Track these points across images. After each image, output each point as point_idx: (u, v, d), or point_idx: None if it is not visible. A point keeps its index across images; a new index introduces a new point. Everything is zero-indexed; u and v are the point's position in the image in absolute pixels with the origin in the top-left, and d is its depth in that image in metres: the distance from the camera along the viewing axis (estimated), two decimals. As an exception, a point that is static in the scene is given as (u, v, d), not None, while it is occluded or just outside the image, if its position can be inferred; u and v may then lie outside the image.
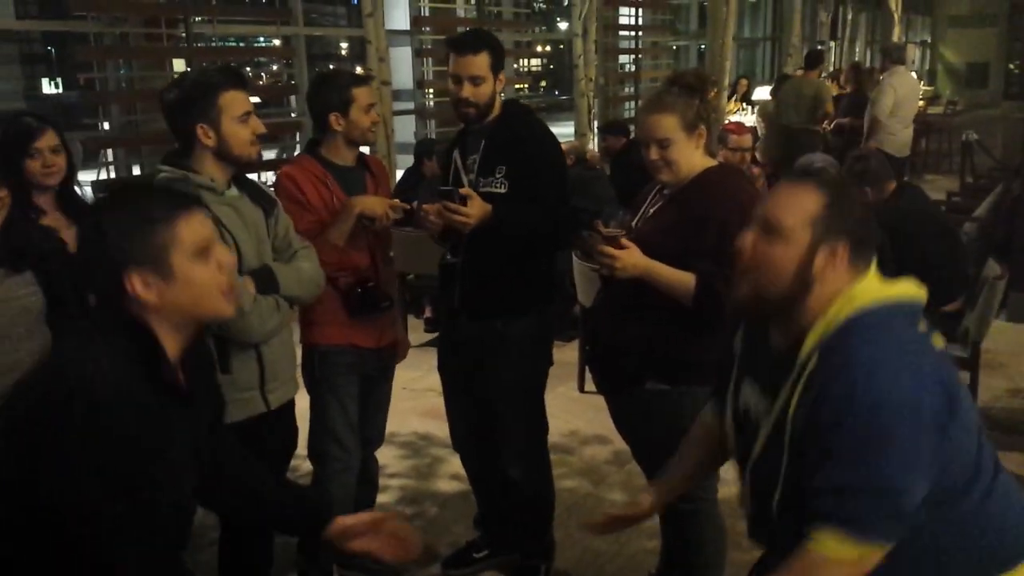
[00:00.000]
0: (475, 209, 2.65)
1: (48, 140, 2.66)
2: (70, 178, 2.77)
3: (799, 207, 1.60)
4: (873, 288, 1.59)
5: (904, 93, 7.76)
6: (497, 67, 2.76)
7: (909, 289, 1.61)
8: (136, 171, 5.80)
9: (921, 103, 12.68)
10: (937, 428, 1.48)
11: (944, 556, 1.58)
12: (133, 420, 1.42)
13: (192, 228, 1.53)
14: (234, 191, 2.39)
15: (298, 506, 1.87)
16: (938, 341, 1.61)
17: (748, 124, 9.14)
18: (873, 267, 1.63)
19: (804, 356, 1.56)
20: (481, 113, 2.78)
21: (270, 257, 2.43)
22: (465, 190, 2.68)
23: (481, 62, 2.72)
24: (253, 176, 2.87)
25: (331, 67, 6.19)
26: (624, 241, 2.40)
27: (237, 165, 2.36)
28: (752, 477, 1.70)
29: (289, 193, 2.70)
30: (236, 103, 2.29)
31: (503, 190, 2.75)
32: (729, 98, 10.67)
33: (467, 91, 2.74)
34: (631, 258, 2.39)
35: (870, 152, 4.83)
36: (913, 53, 22.39)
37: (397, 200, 2.83)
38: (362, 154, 2.87)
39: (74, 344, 1.52)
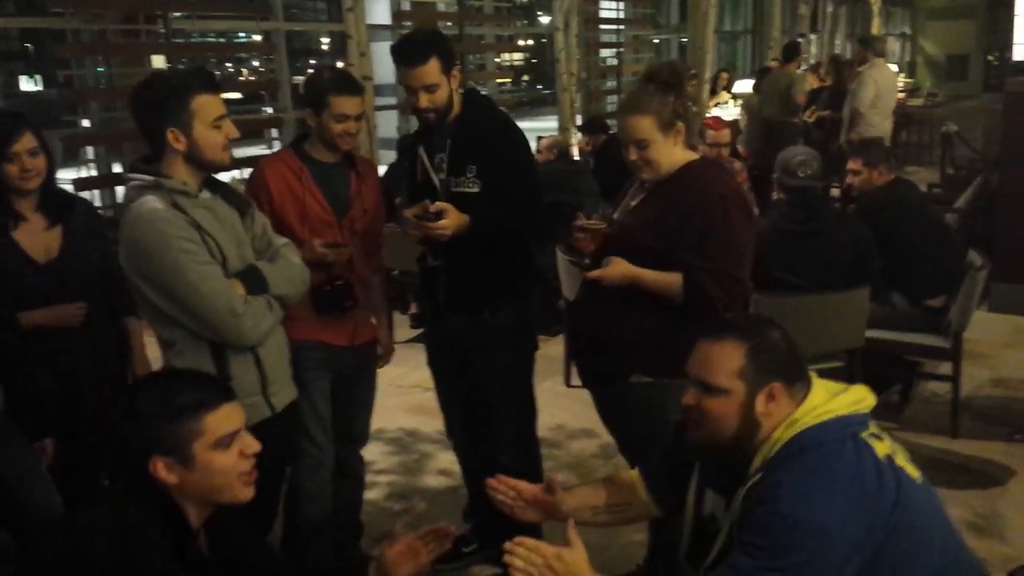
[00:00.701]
0: (452, 220, 2.65)
1: (26, 143, 2.56)
2: (51, 179, 2.70)
3: (725, 363, 1.75)
4: (816, 407, 1.73)
5: (884, 85, 7.81)
6: (448, 67, 2.70)
7: (856, 397, 1.76)
8: (117, 168, 5.75)
9: (901, 95, 12.76)
10: (847, 554, 1.60)
11: None
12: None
13: (219, 421, 1.62)
14: (207, 193, 2.31)
15: None
16: (882, 448, 1.72)
17: (730, 117, 9.21)
18: (817, 385, 1.78)
19: (750, 473, 1.74)
20: (442, 114, 2.75)
21: (251, 257, 2.37)
22: (440, 205, 2.66)
23: (432, 69, 2.67)
24: (230, 174, 2.82)
25: (339, 65, 6.10)
26: (609, 259, 2.43)
27: (209, 170, 2.28)
28: None
29: (252, 188, 2.71)
30: (209, 107, 2.19)
31: (476, 189, 2.75)
32: (711, 92, 10.68)
33: (424, 101, 2.70)
34: (617, 269, 2.42)
35: (876, 140, 4.86)
36: (893, 45, 22.53)
37: (340, 250, 2.71)
38: (349, 152, 2.82)
39: (105, 510, 1.59)
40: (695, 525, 1.95)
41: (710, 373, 1.76)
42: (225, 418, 1.63)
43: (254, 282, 2.28)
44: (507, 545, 1.73)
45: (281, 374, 2.42)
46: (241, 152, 5.43)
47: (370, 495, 3.30)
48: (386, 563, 1.86)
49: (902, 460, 1.74)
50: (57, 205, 2.71)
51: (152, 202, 2.17)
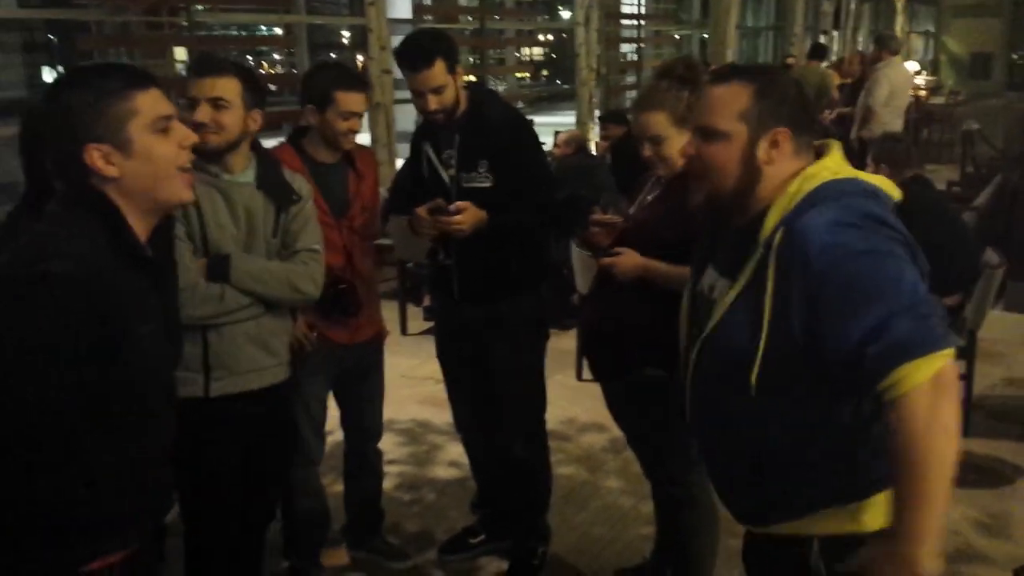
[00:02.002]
0: (469, 216, 2.66)
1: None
2: None
3: (729, 105, 1.63)
4: (834, 166, 1.62)
5: (898, 84, 7.76)
6: (453, 66, 2.69)
7: (879, 180, 1.64)
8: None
9: (923, 92, 12.67)
10: (911, 257, 1.51)
11: (859, 467, 1.60)
12: (99, 293, 1.44)
13: (150, 101, 1.53)
14: (244, 177, 2.36)
15: None
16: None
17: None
18: (837, 154, 1.66)
19: (767, 233, 1.58)
20: (450, 113, 2.74)
21: (262, 251, 2.38)
22: (459, 204, 2.66)
23: (438, 72, 2.66)
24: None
25: (332, 57, 6.11)
26: (620, 249, 2.42)
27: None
28: (706, 349, 1.70)
29: None
30: (192, 88, 2.30)
31: (488, 184, 2.75)
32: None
33: (433, 103, 2.69)
34: (629, 261, 2.42)
35: (902, 136, 4.84)
36: (917, 43, 22.34)
37: (310, 335, 2.67)
38: (348, 149, 2.78)
39: (41, 222, 1.51)
40: (692, 303, 1.86)
41: (711, 115, 1.65)
42: (158, 99, 1.55)
43: (216, 268, 2.30)
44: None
45: (236, 364, 2.36)
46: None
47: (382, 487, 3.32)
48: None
49: None
50: None
51: None
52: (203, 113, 2.28)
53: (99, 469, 1.51)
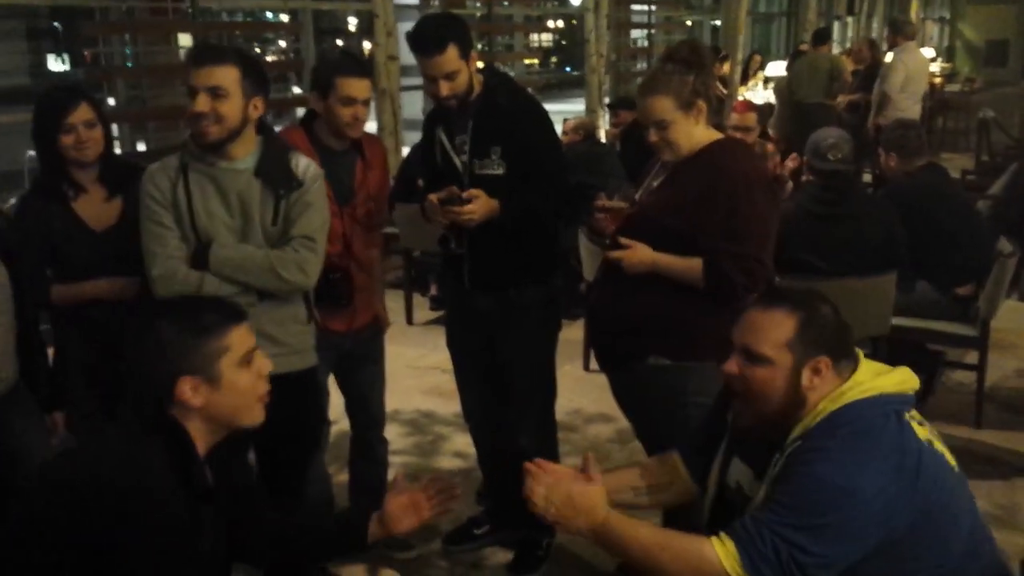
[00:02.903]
0: (480, 205, 2.61)
1: (82, 114, 2.55)
2: (109, 150, 2.70)
3: (774, 333, 1.73)
4: (862, 385, 1.71)
5: (914, 69, 7.66)
6: (467, 51, 2.64)
7: (901, 379, 1.74)
8: (141, 147, 5.79)
9: (939, 80, 12.54)
10: (874, 527, 1.60)
11: None
12: (169, 517, 1.51)
13: (240, 338, 1.64)
14: (242, 165, 2.33)
15: (333, 533, 1.97)
16: (922, 432, 1.71)
17: (760, 101, 9.09)
18: (864, 362, 1.76)
19: (789, 442, 1.72)
20: (463, 99, 2.69)
21: (259, 239, 2.35)
22: (471, 192, 2.61)
23: (451, 57, 2.61)
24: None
25: (337, 44, 6.05)
26: (629, 241, 2.39)
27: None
28: None
29: None
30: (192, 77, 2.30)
31: (501, 171, 2.70)
32: (742, 74, 10.54)
33: (445, 89, 2.65)
34: (637, 255, 2.39)
35: (913, 123, 4.78)
36: (931, 29, 22.13)
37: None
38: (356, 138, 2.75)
39: (116, 440, 1.61)
40: (718, 494, 1.93)
41: (757, 342, 1.74)
42: (246, 334, 1.66)
43: (197, 256, 2.31)
44: (529, 466, 1.77)
45: (290, 342, 2.40)
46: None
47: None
48: (387, 515, 1.86)
49: (940, 447, 1.73)
50: (118, 175, 2.69)
51: (168, 158, 2.35)
52: (202, 103, 2.25)
53: None
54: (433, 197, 2.68)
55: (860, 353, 1.80)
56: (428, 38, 2.62)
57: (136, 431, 1.59)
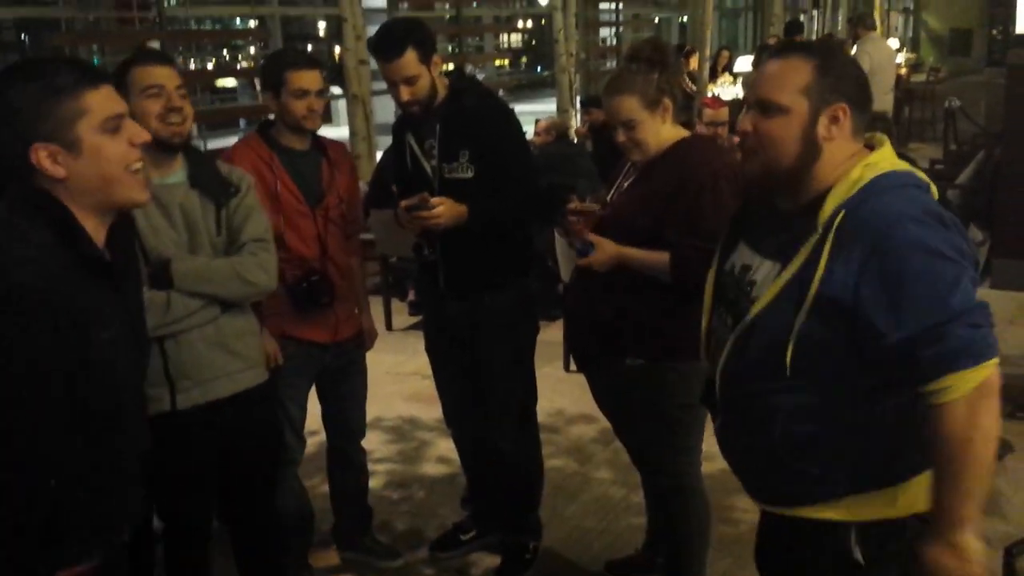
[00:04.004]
0: (446, 210, 2.60)
1: None
2: None
3: (790, 79, 1.59)
4: (892, 158, 1.61)
5: (879, 59, 7.73)
6: (427, 55, 2.63)
7: (923, 173, 1.64)
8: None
9: (904, 71, 12.66)
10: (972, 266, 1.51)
11: (894, 453, 1.61)
12: (56, 300, 1.39)
13: (101, 99, 1.47)
14: (174, 178, 2.26)
15: None
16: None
17: (729, 96, 9.14)
18: (888, 144, 1.65)
19: (827, 216, 1.55)
20: (426, 104, 2.69)
21: (208, 251, 2.28)
22: (437, 199, 2.60)
23: (409, 61, 2.61)
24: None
25: (336, 49, 5.98)
26: (594, 237, 2.39)
27: (158, 147, 2.20)
28: (746, 334, 1.66)
29: None
30: (142, 77, 2.21)
31: (470, 175, 2.70)
32: (711, 70, 10.61)
33: (405, 93, 2.65)
34: (604, 252, 2.39)
35: (881, 115, 4.82)
36: (896, 20, 22.34)
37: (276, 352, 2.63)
38: (319, 138, 2.76)
39: None
40: (717, 283, 1.82)
41: (772, 89, 1.60)
42: (108, 98, 1.49)
43: (158, 277, 2.18)
44: None
45: (197, 375, 2.26)
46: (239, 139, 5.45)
47: (369, 483, 3.29)
48: None
49: None
50: None
51: None
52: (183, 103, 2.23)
53: (65, 478, 1.46)
54: (404, 204, 2.67)
55: (883, 137, 1.68)
56: (387, 43, 2.63)
57: (10, 211, 1.45)
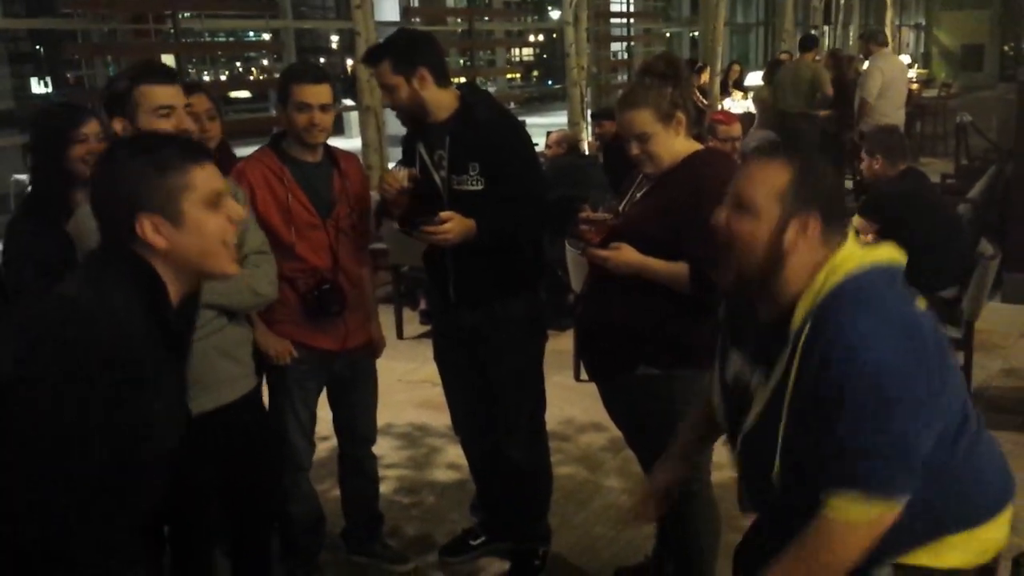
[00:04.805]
0: (455, 226, 2.61)
1: (93, 127, 2.53)
2: None
3: (767, 182, 1.64)
4: (856, 254, 1.63)
5: (891, 74, 7.73)
6: (405, 68, 2.64)
7: (890, 253, 1.66)
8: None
9: (915, 86, 12.66)
10: (936, 381, 1.55)
11: (935, 510, 1.62)
12: (139, 355, 1.43)
13: (205, 177, 1.55)
14: None
15: None
16: (920, 303, 1.66)
17: (741, 111, 9.17)
18: (851, 235, 1.67)
19: (796, 325, 1.60)
20: (418, 114, 2.72)
21: None
22: (446, 214, 2.61)
23: (383, 71, 2.65)
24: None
25: (348, 63, 6.00)
26: (613, 244, 2.41)
27: None
28: (747, 446, 1.73)
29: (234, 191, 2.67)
30: (152, 96, 2.23)
31: (480, 187, 2.70)
32: (722, 84, 10.64)
33: (386, 99, 2.74)
34: (623, 257, 2.40)
35: (895, 128, 4.84)
36: (907, 36, 22.35)
37: (289, 348, 2.70)
38: (331, 149, 2.79)
39: (83, 278, 1.52)
40: (723, 395, 1.87)
41: (751, 188, 1.66)
42: (212, 175, 1.57)
43: None
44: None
45: (207, 382, 2.30)
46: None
47: (380, 489, 3.31)
48: None
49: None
50: None
51: None
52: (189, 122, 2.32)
53: (78, 534, 1.47)
54: (408, 220, 2.68)
55: (850, 229, 1.71)
56: (368, 51, 2.73)
57: (102, 268, 1.51)
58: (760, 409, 1.67)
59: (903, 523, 1.58)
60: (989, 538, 1.70)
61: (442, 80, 2.71)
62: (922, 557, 1.64)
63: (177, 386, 1.62)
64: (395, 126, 7.54)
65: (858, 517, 1.52)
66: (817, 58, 9.33)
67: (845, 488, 1.52)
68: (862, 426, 1.50)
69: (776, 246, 1.62)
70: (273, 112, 7.41)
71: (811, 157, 1.71)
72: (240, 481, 2.46)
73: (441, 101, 2.72)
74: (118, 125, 2.27)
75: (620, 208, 2.58)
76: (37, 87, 16.14)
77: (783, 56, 10.32)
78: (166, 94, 2.27)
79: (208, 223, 1.54)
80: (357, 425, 3.00)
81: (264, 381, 2.70)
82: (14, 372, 1.39)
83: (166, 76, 2.32)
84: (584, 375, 4.22)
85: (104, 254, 1.54)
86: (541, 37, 15.40)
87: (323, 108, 2.65)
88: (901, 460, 1.52)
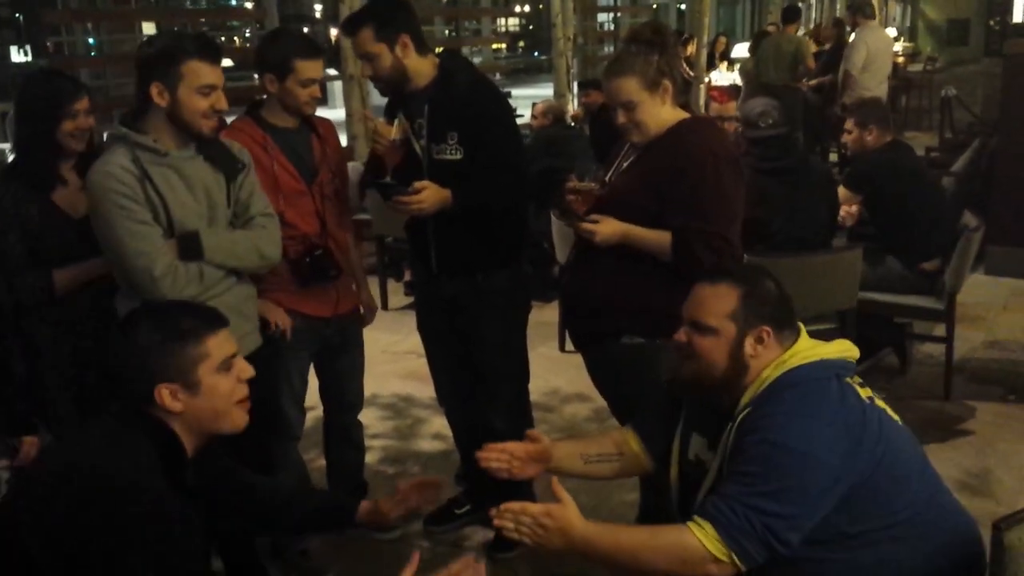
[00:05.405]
0: (430, 195, 2.59)
1: (85, 102, 2.54)
2: (92, 139, 2.65)
3: (718, 305, 1.83)
4: (803, 351, 1.81)
5: (876, 48, 7.72)
6: (387, 35, 2.61)
7: (841, 348, 1.84)
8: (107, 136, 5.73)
9: (901, 59, 12.66)
10: (833, 481, 1.67)
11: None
12: (163, 518, 1.51)
13: (219, 344, 1.65)
14: (188, 152, 2.30)
15: (324, 509, 2.06)
16: (864, 392, 1.80)
17: (727, 83, 9.15)
18: (803, 333, 1.86)
19: (739, 410, 1.79)
20: (397, 82, 2.69)
21: (224, 223, 2.36)
22: (420, 184, 2.59)
23: (363, 39, 2.62)
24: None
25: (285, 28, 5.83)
26: (595, 216, 2.41)
27: (187, 132, 2.27)
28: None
29: None
30: (199, 74, 2.22)
31: (458, 156, 2.68)
32: (708, 56, 10.59)
33: (367, 69, 2.70)
34: (608, 228, 2.41)
35: (880, 100, 4.83)
36: (894, 9, 22.31)
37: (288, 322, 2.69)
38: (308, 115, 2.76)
39: (101, 436, 1.61)
40: (680, 471, 2.00)
41: (703, 313, 1.84)
42: (225, 341, 1.67)
43: (188, 247, 2.26)
44: (493, 511, 1.76)
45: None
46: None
47: (365, 459, 3.31)
48: (380, 508, 1.97)
49: (882, 404, 1.83)
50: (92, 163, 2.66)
51: (110, 153, 2.23)
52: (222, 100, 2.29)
53: None
54: (383, 185, 2.67)
55: (802, 327, 1.88)
56: (348, 19, 2.67)
57: (121, 431, 1.60)
58: (708, 486, 1.83)
59: None
60: None
61: (422, 48, 2.69)
62: None
63: (199, 527, 1.67)
64: (379, 96, 7.49)
65: (704, 546, 1.66)
66: (803, 32, 9.30)
67: (707, 518, 1.68)
68: (745, 483, 1.68)
69: (737, 357, 1.81)
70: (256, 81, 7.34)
71: (756, 277, 1.87)
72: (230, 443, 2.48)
73: (421, 69, 2.70)
74: (155, 90, 2.23)
75: (606, 178, 2.57)
76: (17, 56, 15.89)
77: (770, 28, 10.28)
78: (212, 75, 2.26)
79: (221, 386, 1.64)
80: (345, 391, 3.00)
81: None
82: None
83: (214, 55, 2.30)
84: (569, 346, 4.24)
85: (121, 412, 1.63)
86: (527, 7, 15.29)
87: (320, 81, 2.68)
88: (760, 525, 1.65)
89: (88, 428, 1.63)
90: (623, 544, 1.74)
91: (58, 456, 1.64)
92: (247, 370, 1.70)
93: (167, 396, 1.60)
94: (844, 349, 1.85)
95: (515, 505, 1.74)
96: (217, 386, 1.64)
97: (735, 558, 1.67)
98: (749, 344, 1.81)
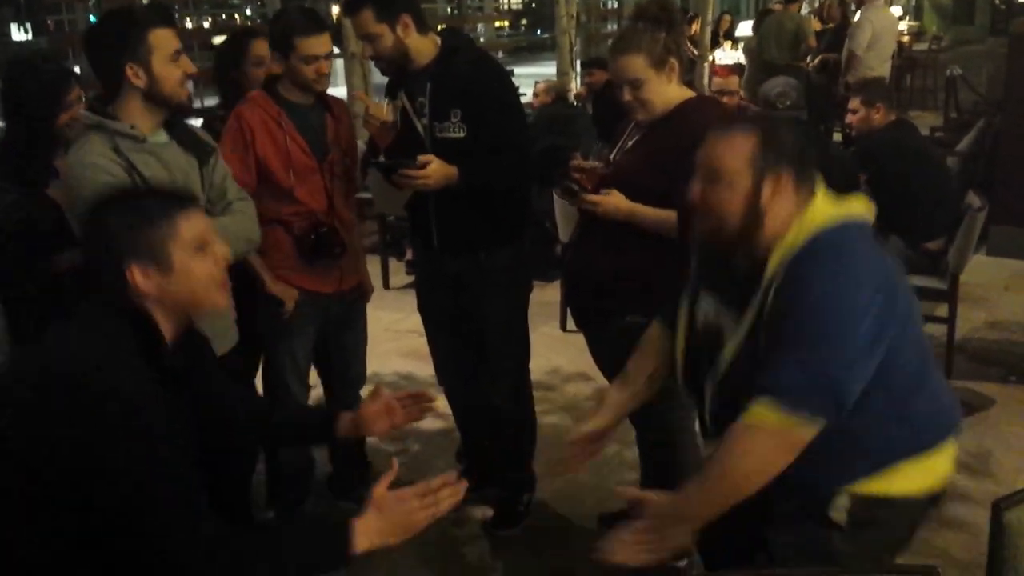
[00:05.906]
0: (435, 170, 2.58)
1: (77, 91, 2.53)
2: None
3: (734, 151, 1.72)
4: (825, 209, 1.73)
5: (881, 27, 7.66)
6: (389, 15, 2.60)
7: (858, 206, 1.76)
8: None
9: (906, 39, 12.58)
10: (880, 327, 1.63)
11: (889, 437, 1.72)
12: (144, 405, 1.48)
13: (190, 224, 1.61)
14: (162, 137, 2.25)
15: (304, 419, 2.07)
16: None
17: (731, 61, 9.09)
18: (822, 188, 1.76)
19: (769, 275, 1.69)
20: (399, 62, 2.68)
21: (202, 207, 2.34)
22: (425, 158, 2.58)
23: (364, 20, 2.60)
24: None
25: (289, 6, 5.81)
26: (604, 191, 2.40)
27: (167, 107, 2.21)
28: (722, 385, 1.78)
29: (235, 136, 2.63)
30: (167, 41, 2.17)
31: (461, 134, 2.67)
32: (712, 35, 10.53)
33: (368, 50, 2.70)
34: (614, 201, 2.40)
35: (880, 79, 4.80)
36: (899, -12, 22.10)
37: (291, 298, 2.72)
38: (322, 92, 2.76)
39: (76, 330, 1.57)
40: (687, 344, 1.91)
41: (719, 160, 1.73)
42: (197, 221, 1.63)
43: None
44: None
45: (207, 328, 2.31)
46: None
47: (366, 437, 3.32)
48: (362, 417, 1.91)
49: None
50: None
51: (89, 144, 2.15)
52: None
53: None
54: (391, 161, 2.66)
55: (819, 179, 1.78)
56: (347, 1, 2.65)
57: (96, 319, 1.57)
58: (733, 353, 1.75)
59: (858, 449, 1.70)
60: (937, 466, 1.77)
61: (423, 27, 2.68)
62: (875, 485, 1.72)
63: (190, 412, 1.65)
64: (380, 74, 7.46)
65: (767, 423, 1.60)
66: (807, 10, 9.24)
67: (764, 395, 1.61)
68: (796, 345, 1.61)
69: (753, 207, 1.71)
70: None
71: (771, 121, 1.79)
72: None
73: (422, 48, 2.69)
74: (130, 72, 2.16)
75: (611, 157, 2.56)
76: (18, 33, 15.81)
77: (776, 6, 10.20)
78: (174, 39, 2.21)
79: (196, 268, 1.61)
80: (349, 366, 3.01)
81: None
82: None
83: (169, 20, 2.27)
84: (571, 325, 4.23)
85: (98, 305, 1.60)
86: (530, -15, 15.19)
87: (327, 56, 2.65)
88: (822, 382, 1.60)
89: (62, 325, 1.57)
90: (714, 484, 1.67)
91: (32, 361, 1.59)
92: (225, 252, 1.67)
93: (139, 276, 1.56)
94: (861, 207, 1.77)
95: (626, 536, 1.68)
96: (192, 268, 1.60)
97: (808, 418, 1.61)
98: (767, 190, 1.70)
